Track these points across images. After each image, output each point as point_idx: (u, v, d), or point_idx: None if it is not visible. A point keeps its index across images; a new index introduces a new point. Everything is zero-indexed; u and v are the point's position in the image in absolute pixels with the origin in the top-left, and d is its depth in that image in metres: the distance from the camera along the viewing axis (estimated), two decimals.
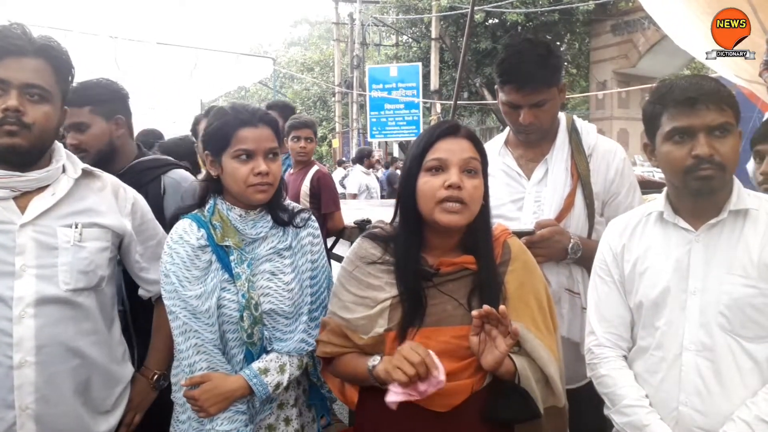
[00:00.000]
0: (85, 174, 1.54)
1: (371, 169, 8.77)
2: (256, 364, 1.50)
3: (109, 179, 1.60)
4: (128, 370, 1.65)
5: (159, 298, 1.73)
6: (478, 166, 1.34)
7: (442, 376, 1.19)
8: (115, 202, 1.57)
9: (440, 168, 1.31)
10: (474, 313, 1.23)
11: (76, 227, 1.45)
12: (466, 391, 1.30)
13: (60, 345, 1.41)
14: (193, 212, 1.55)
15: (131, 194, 1.64)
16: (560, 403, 1.37)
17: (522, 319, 1.32)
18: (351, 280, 1.42)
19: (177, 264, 1.47)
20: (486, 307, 1.21)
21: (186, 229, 1.50)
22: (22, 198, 1.41)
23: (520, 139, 1.92)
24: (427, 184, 1.31)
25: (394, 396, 1.20)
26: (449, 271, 1.36)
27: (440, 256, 1.37)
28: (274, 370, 1.50)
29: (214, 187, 1.57)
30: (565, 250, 1.75)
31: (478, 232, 1.37)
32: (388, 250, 1.40)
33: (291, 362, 1.53)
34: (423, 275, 1.35)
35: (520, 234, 1.56)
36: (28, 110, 1.36)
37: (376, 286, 1.38)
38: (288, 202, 1.66)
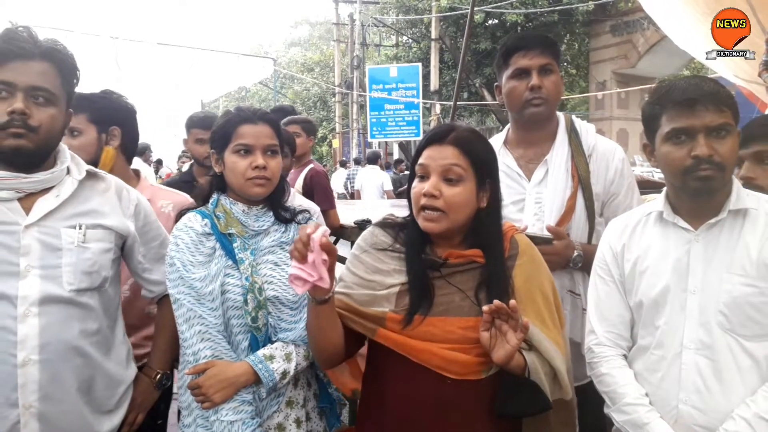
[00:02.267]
0: (89, 175, 1.55)
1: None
2: (262, 351, 1.52)
3: (113, 181, 1.62)
4: (132, 370, 1.66)
5: (162, 298, 1.75)
6: (461, 173, 1.34)
7: (317, 232, 1.23)
8: (119, 203, 1.59)
9: (423, 175, 1.37)
10: (485, 308, 1.24)
11: (80, 228, 1.46)
12: (471, 364, 1.31)
13: (63, 344, 1.41)
14: (197, 209, 1.62)
15: (134, 195, 1.65)
16: (567, 396, 1.38)
17: (527, 314, 1.33)
18: (358, 263, 1.44)
19: (182, 250, 1.52)
20: (497, 302, 1.23)
21: (191, 218, 1.58)
22: (27, 199, 1.42)
23: (524, 119, 1.88)
24: (414, 189, 1.38)
25: (292, 269, 1.25)
26: (457, 263, 1.38)
27: (447, 250, 1.40)
28: (280, 357, 1.51)
29: (217, 184, 1.63)
30: (568, 261, 1.76)
31: (487, 229, 1.39)
32: (398, 239, 1.43)
33: (297, 351, 1.55)
34: (431, 265, 1.37)
35: (535, 239, 1.56)
36: (34, 113, 1.37)
37: (384, 271, 1.40)
38: (290, 204, 1.70)
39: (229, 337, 1.53)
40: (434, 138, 1.38)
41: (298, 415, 1.60)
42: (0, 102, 1.35)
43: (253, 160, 1.54)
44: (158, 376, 1.72)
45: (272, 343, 1.55)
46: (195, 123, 2.88)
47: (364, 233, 1.49)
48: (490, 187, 1.39)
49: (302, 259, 1.23)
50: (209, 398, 1.44)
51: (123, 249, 1.63)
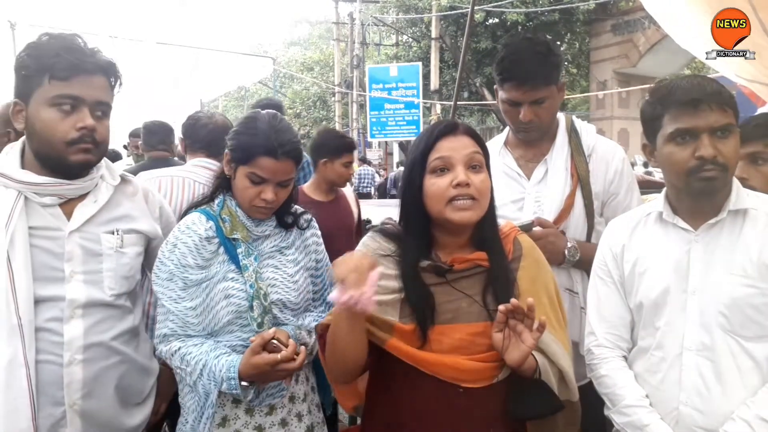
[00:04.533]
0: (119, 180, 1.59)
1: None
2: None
3: (139, 184, 1.65)
4: (155, 362, 1.70)
5: None
6: (482, 160, 1.34)
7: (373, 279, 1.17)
8: (146, 206, 1.63)
9: (445, 168, 1.30)
10: (501, 307, 1.21)
11: (118, 234, 1.51)
12: (483, 371, 1.29)
13: (103, 343, 1.46)
14: (202, 207, 1.59)
15: (158, 198, 1.69)
16: (574, 397, 1.36)
17: (536, 316, 1.31)
18: None
19: (181, 251, 1.50)
20: (514, 300, 1.20)
21: (195, 220, 1.54)
22: (66, 205, 1.45)
23: (519, 137, 1.92)
24: (435, 185, 1.30)
25: (335, 293, 1.18)
26: (463, 268, 1.35)
27: (452, 254, 1.37)
28: (304, 330, 1.58)
29: (225, 184, 1.60)
30: (562, 254, 1.75)
31: (485, 226, 1.36)
32: (400, 246, 1.39)
33: (312, 336, 1.58)
34: (436, 272, 1.34)
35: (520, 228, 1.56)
36: (98, 128, 1.41)
37: (389, 276, 1.35)
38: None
39: (233, 341, 1.52)
40: (446, 130, 1.34)
41: (300, 409, 1.62)
42: (65, 116, 1.37)
43: (263, 191, 1.49)
44: None
45: None
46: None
47: (365, 239, 1.46)
48: (490, 178, 1.37)
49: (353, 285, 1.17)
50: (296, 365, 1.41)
51: (146, 250, 1.65)
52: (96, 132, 1.41)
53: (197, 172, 2.33)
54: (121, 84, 1.50)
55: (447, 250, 1.37)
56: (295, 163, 1.53)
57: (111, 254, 1.48)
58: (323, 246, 1.71)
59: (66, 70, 1.36)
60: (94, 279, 1.45)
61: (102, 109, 1.43)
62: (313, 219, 1.71)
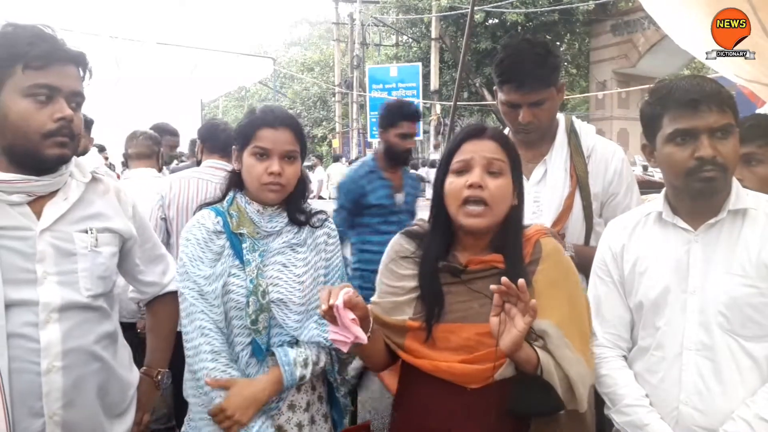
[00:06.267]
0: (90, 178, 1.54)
1: None
2: (293, 355, 1.52)
3: (110, 182, 1.60)
4: (135, 372, 1.65)
5: (154, 300, 1.74)
6: (504, 167, 1.36)
7: (339, 299, 1.21)
8: (119, 205, 1.57)
9: (464, 169, 1.35)
10: (493, 287, 1.21)
11: (92, 232, 1.44)
12: (478, 375, 1.31)
13: (82, 349, 1.39)
14: (213, 205, 1.63)
15: (131, 197, 1.63)
16: (581, 408, 1.35)
17: (550, 317, 1.31)
18: (385, 271, 1.49)
19: (192, 244, 1.55)
20: (504, 279, 1.19)
21: (204, 215, 1.60)
22: (35, 203, 1.37)
23: (519, 138, 1.92)
24: (452, 184, 1.35)
25: (331, 334, 1.25)
26: (478, 269, 1.38)
27: (471, 255, 1.40)
28: (299, 364, 1.53)
29: (236, 182, 1.63)
30: None
31: (507, 231, 1.39)
32: (421, 246, 1.45)
33: (312, 355, 1.55)
34: (452, 272, 1.38)
35: None
36: (74, 119, 1.35)
37: (406, 276, 1.43)
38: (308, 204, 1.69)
39: (231, 338, 1.53)
40: (472, 133, 1.38)
41: (300, 419, 1.59)
42: (41, 106, 1.30)
43: (269, 165, 1.52)
44: (159, 376, 1.72)
45: (274, 345, 1.54)
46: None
47: (391, 242, 1.53)
48: (518, 184, 1.40)
49: (333, 321, 1.23)
50: (236, 420, 1.44)
51: (120, 251, 1.60)
52: (73, 123, 1.34)
53: (207, 172, 2.81)
54: (90, 76, 1.42)
55: (467, 251, 1.41)
56: (295, 135, 1.57)
57: (86, 254, 1.41)
58: (337, 246, 1.70)
59: (41, 58, 1.29)
60: (69, 280, 1.37)
61: (77, 101, 1.36)
62: (329, 219, 1.70)
